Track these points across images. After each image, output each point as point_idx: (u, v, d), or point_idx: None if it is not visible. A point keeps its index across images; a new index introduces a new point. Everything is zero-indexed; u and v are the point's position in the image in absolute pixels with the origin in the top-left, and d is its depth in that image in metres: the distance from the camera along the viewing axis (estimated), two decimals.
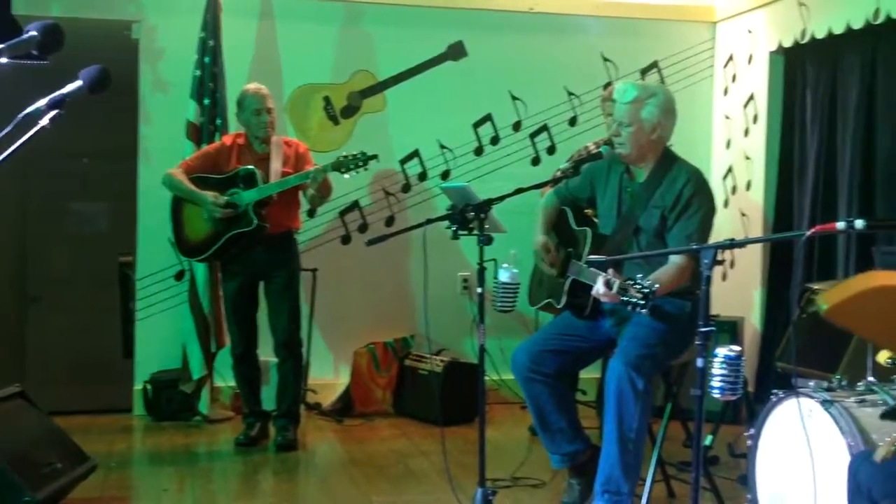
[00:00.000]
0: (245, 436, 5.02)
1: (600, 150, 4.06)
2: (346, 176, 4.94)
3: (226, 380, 5.55)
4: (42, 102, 2.82)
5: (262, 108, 4.92)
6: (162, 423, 5.42)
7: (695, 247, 3.05)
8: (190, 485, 4.38)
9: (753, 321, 5.74)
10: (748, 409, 5.02)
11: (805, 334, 4.40)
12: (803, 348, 4.36)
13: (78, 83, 3.06)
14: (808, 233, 2.57)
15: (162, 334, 5.58)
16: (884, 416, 2.49)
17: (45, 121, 2.85)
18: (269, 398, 5.22)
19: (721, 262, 5.86)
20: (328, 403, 5.67)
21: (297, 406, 5.17)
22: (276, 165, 4.91)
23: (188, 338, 5.41)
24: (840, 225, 2.56)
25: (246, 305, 5.04)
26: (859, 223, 2.54)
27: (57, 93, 2.89)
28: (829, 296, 2.34)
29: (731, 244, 2.85)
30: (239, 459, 4.82)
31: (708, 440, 4.59)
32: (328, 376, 5.69)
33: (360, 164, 4.87)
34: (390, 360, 5.74)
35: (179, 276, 5.61)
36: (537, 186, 4.03)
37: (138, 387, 5.56)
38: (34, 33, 2.70)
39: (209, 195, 4.81)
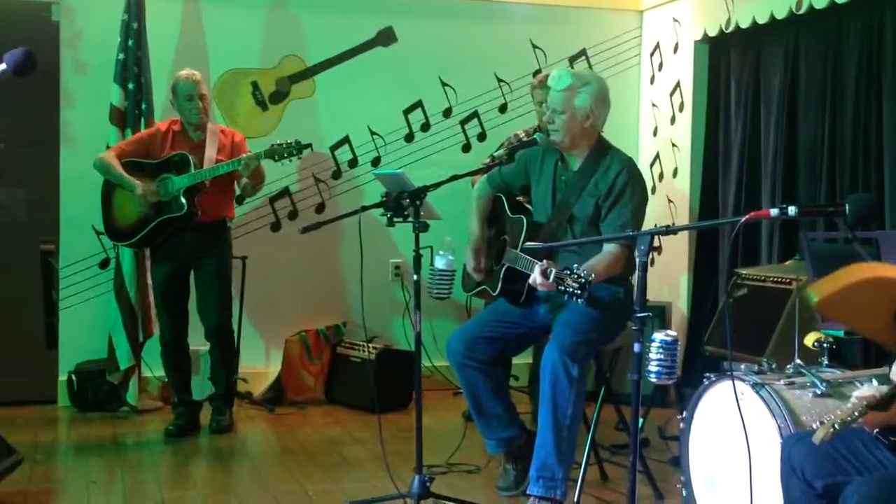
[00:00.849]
0: (175, 426, 4.95)
1: (535, 137, 4.09)
2: (280, 164, 4.92)
3: (154, 370, 5.45)
4: None
5: (194, 94, 4.88)
6: (88, 414, 5.30)
7: (631, 233, 3.07)
8: (119, 476, 4.29)
9: (680, 306, 5.85)
10: (677, 392, 5.12)
11: (732, 319, 4.50)
12: (731, 332, 4.45)
13: (2, 66, 2.97)
14: (744, 219, 2.62)
15: (87, 324, 5.45)
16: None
17: None
18: (198, 388, 5.17)
19: (658, 249, 5.96)
20: (259, 392, 5.61)
21: (231, 390, 5.16)
22: (210, 153, 4.87)
23: (114, 327, 5.29)
24: (774, 211, 2.62)
25: (176, 293, 4.98)
26: (792, 210, 2.60)
27: None
28: (818, 288, 2.37)
29: (668, 230, 2.88)
30: (169, 449, 4.74)
31: (639, 423, 4.65)
32: (259, 365, 5.63)
33: (294, 152, 4.89)
34: (322, 347, 5.71)
35: (104, 264, 5.49)
36: (473, 173, 4.04)
37: (63, 377, 5.43)
38: None
39: (139, 185, 4.79)
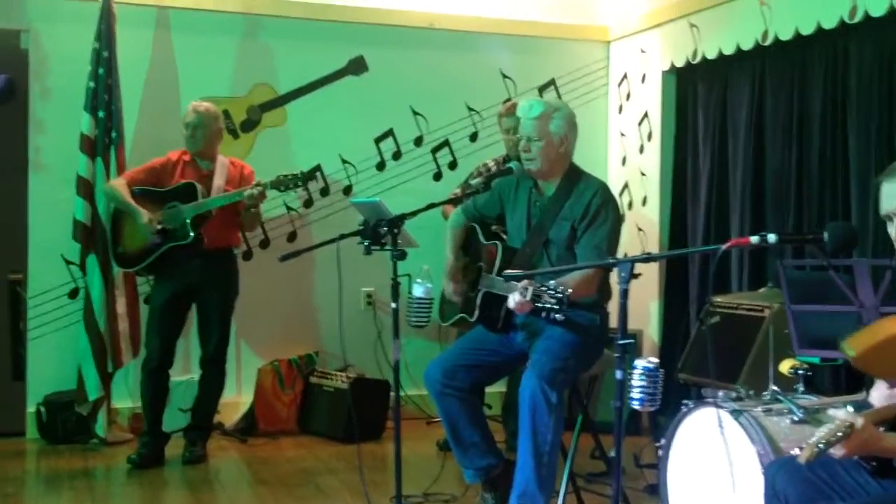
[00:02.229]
0: (138, 455, 4.88)
1: (510, 165, 4.12)
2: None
3: (123, 401, 5.39)
4: None
5: (187, 123, 4.97)
6: (57, 447, 5.22)
7: (612, 261, 3.10)
8: None
9: (651, 334, 5.90)
10: (651, 420, 5.14)
11: (704, 346, 4.55)
12: (704, 359, 4.50)
13: None
14: (725, 246, 2.66)
15: (55, 354, 5.38)
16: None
17: None
18: (167, 420, 5.10)
19: (637, 276, 5.98)
20: (231, 423, 5.56)
21: (211, 421, 5.16)
22: (218, 182, 4.97)
23: (83, 358, 5.22)
24: (754, 239, 2.66)
25: (171, 319, 5.00)
26: (772, 237, 2.65)
27: None
28: (855, 342, 2.35)
29: (648, 258, 2.93)
30: (141, 481, 4.68)
31: (613, 451, 4.67)
32: (231, 395, 5.56)
33: (300, 183, 4.98)
34: (294, 376, 5.67)
35: (73, 294, 5.43)
36: (449, 202, 4.06)
37: (31, 409, 5.35)
38: None
39: (143, 214, 4.85)
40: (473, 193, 4.13)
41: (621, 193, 6.21)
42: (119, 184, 4.98)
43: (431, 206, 3.89)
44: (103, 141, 5.26)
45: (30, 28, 5.42)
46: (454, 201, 4.11)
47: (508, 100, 5.93)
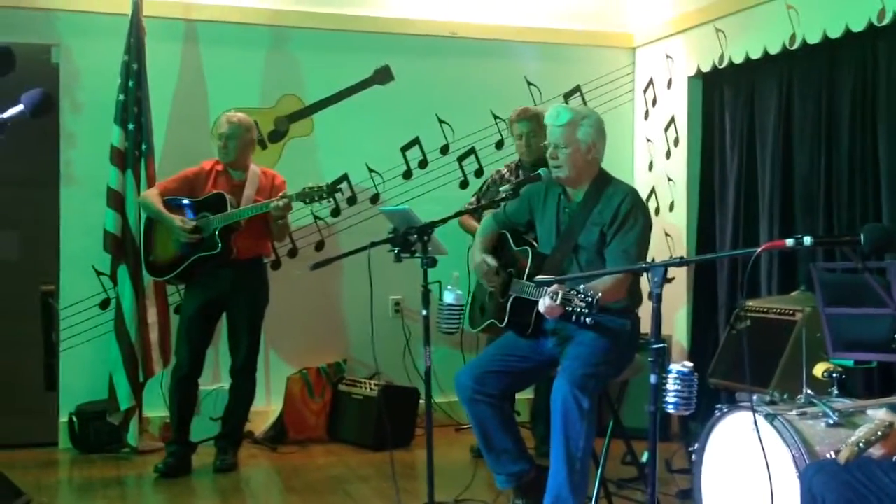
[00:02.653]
0: (165, 464, 4.89)
1: (539, 172, 4.12)
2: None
3: (154, 410, 5.43)
4: None
5: (220, 134, 5.01)
6: (90, 456, 5.26)
7: (644, 265, 3.10)
8: None
9: (679, 339, 5.87)
10: (682, 424, 5.12)
11: (735, 351, 4.53)
12: (734, 364, 4.48)
13: (19, 107, 2.99)
14: (761, 249, 2.66)
15: (87, 365, 5.43)
16: None
17: None
18: (196, 429, 5.13)
19: (671, 280, 5.96)
20: (261, 431, 5.58)
21: (242, 430, 5.19)
22: (249, 192, 5.01)
23: (115, 367, 5.26)
24: (790, 242, 2.66)
25: (202, 328, 5.03)
26: (807, 240, 2.64)
27: None
28: None
29: (682, 262, 2.92)
30: (172, 490, 4.71)
31: (645, 456, 4.66)
32: (260, 404, 5.57)
33: (325, 195, 4.97)
34: (323, 385, 5.70)
35: (104, 304, 5.48)
36: (477, 209, 4.07)
37: (64, 419, 5.40)
38: None
39: (177, 219, 4.89)
40: (502, 200, 4.14)
41: (648, 199, 6.19)
42: (152, 193, 5.03)
43: (460, 213, 3.92)
44: (133, 153, 5.31)
45: (60, 43, 5.48)
46: (485, 208, 4.12)
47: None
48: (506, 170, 5.31)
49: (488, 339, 4.94)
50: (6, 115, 2.54)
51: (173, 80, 5.64)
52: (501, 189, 4.23)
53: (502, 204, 4.18)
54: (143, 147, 5.32)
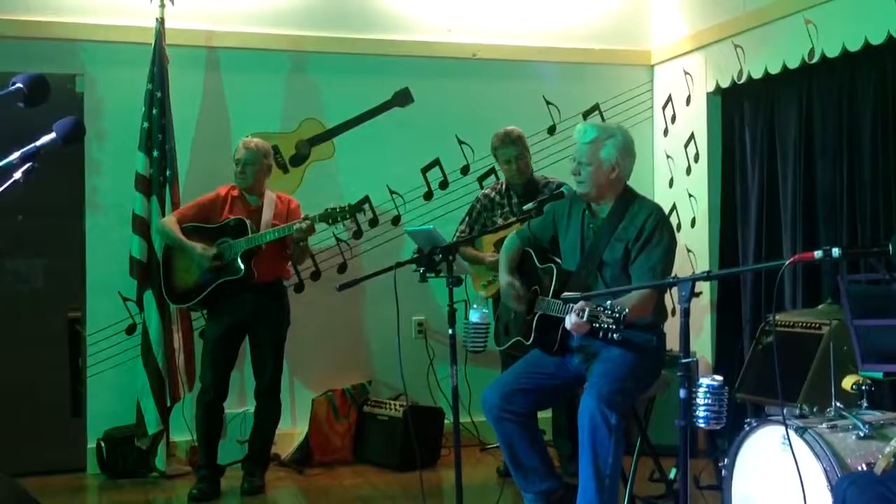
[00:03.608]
0: (198, 490, 4.93)
1: (563, 189, 4.14)
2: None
3: (181, 434, 5.45)
4: (14, 156, 2.78)
5: (237, 160, 5.06)
6: (118, 481, 5.28)
7: (671, 280, 3.10)
8: None
9: (704, 354, 5.85)
10: (709, 440, 5.10)
11: (761, 365, 4.51)
12: (761, 378, 4.46)
13: (51, 135, 3.02)
14: (789, 261, 2.66)
15: (114, 390, 5.46)
16: None
17: (18, 174, 2.80)
18: (223, 453, 5.15)
19: (698, 295, 5.94)
20: (287, 454, 5.59)
21: (268, 452, 5.19)
22: (267, 216, 5.04)
23: (142, 392, 5.30)
24: (818, 254, 2.66)
25: (226, 353, 5.05)
26: (836, 251, 2.64)
27: (30, 145, 2.85)
28: None
29: (708, 276, 2.93)
30: None
31: (673, 473, 4.64)
32: (286, 426, 5.59)
33: (348, 215, 5.02)
34: (348, 406, 5.71)
35: (131, 329, 5.52)
36: (501, 228, 4.08)
37: (91, 445, 5.43)
38: (20, 85, 2.67)
39: (198, 246, 4.94)
40: (526, 218, 4.15)
41: (669, 215, 6.15)
42: (170, 221, 5.07)
43: (483, 232, 3.92)
44: (158, 179, 5.35)
45: (84, 72, 5.54)
46: (507, 226, 4.13)
47: (554, 127, 5.96)
48: (493, 192, 5.25)
49: (502, 359, 4.94)
50: (39, 142, 2.58)
51: (196, 106, 5.70)
52: (525, 207, 4.23)
53: (526, 222, 4.19)
54: (168, 173, 5.37)
